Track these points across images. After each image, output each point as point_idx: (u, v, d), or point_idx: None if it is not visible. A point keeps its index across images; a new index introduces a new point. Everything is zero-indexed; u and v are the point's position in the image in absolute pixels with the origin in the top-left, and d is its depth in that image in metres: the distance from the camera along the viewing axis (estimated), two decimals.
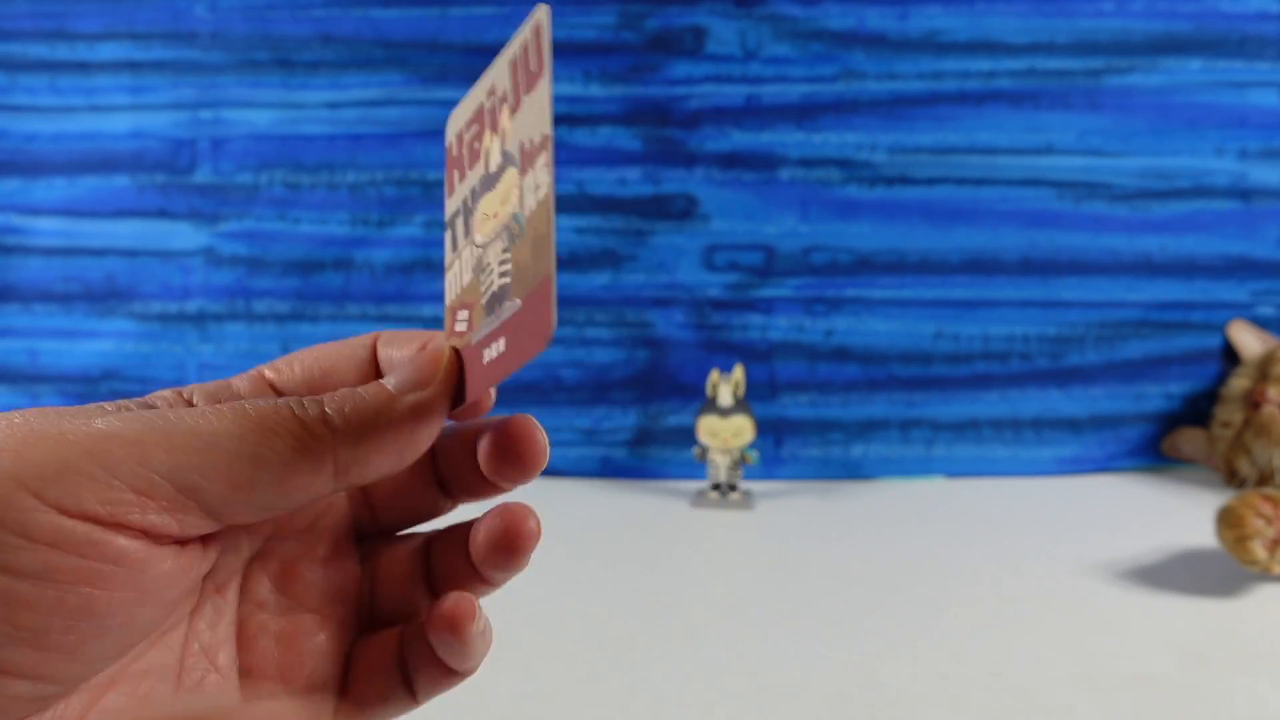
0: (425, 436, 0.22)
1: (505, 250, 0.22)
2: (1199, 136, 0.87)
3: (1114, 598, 0.57)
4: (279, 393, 0.24)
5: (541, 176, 0.20)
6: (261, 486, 0.19)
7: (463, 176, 0.24)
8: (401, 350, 0.24)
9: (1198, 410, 0.88)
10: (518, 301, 0.21)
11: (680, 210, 0.88)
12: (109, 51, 0.90)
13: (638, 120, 0.88)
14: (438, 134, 0.89)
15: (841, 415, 0.88)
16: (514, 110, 0.22)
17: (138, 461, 0.18)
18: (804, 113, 0.88)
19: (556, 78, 0.88)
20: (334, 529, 0.25)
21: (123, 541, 0.18)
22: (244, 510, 0.20)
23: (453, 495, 0.26)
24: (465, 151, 0.24)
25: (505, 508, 0.24)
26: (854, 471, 0.88)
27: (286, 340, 0.89)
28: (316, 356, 0.24)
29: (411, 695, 0.24)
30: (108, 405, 0.20)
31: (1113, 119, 0.87)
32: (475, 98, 0.24)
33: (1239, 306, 0.88)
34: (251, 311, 0.89)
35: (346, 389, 0.21)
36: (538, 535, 0.24)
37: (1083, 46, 0.87)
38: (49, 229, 0.90)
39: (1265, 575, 0.59)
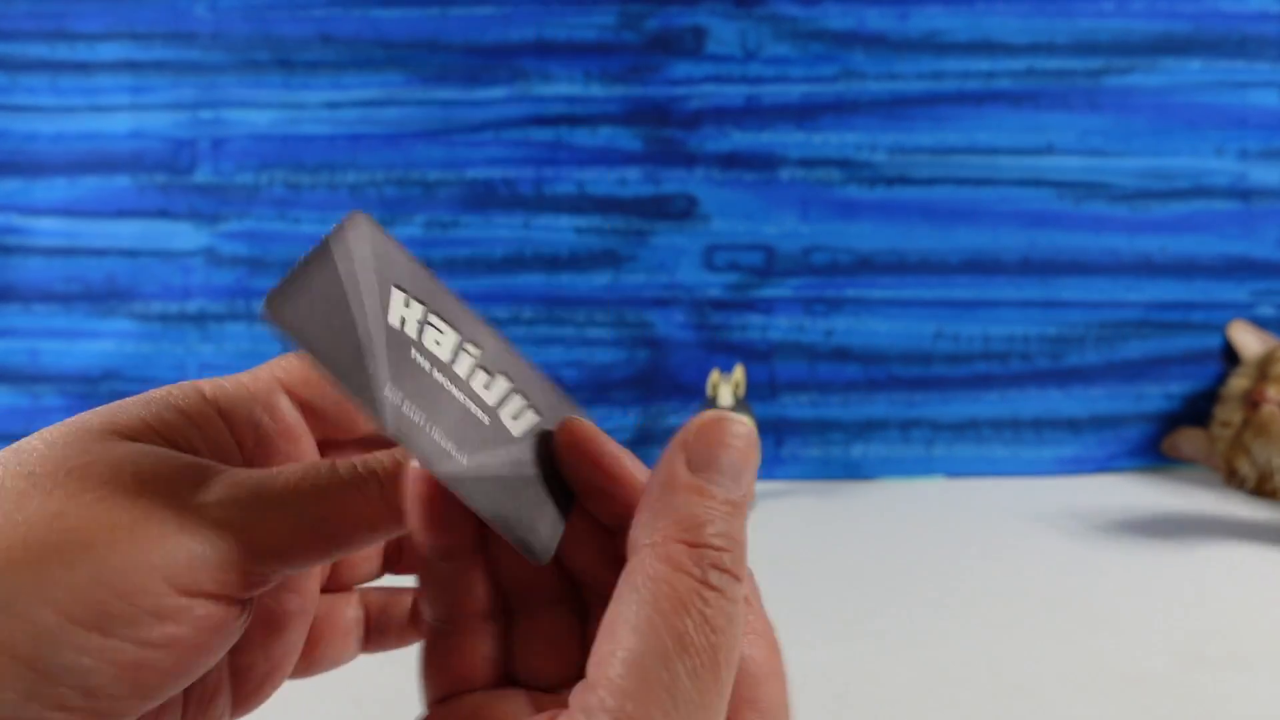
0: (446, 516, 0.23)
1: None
2: (1199, 137, 0.87)
3: (1114, 598, 0.57)
4: (290, 394, 0.25)
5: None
6: (327, 554, 0.22)
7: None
8: None
9: (1197, 410, 0.88)
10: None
11: (680, 210, 0.89)
12: (109, 51, 0.90)
13: (638, 120, 0.88)
14: (438, 134, 0.89)
15: (842, 415, 0.88)
16: None
17: (247, 554, 0.20)
18: (804, 113, 0.88)
19: (557, 78, 0.88)
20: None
21: (225, 611, 0.20)
22: (309, 565, 0.22)
23: None
24: None
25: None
26: (854, 471, 0.88)
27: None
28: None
29: (364, 648, 0.27)
30: (183, 403, 0.23)
31: (1113, 119, 0.87)
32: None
33: (1239, 307, 0.88)
34: (252, 312, 0.89)
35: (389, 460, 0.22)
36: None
37: (1083, 47, 0.87)
38: (49, 229, 0.90)
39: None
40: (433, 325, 0.23)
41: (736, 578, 0.18)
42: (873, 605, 0.56)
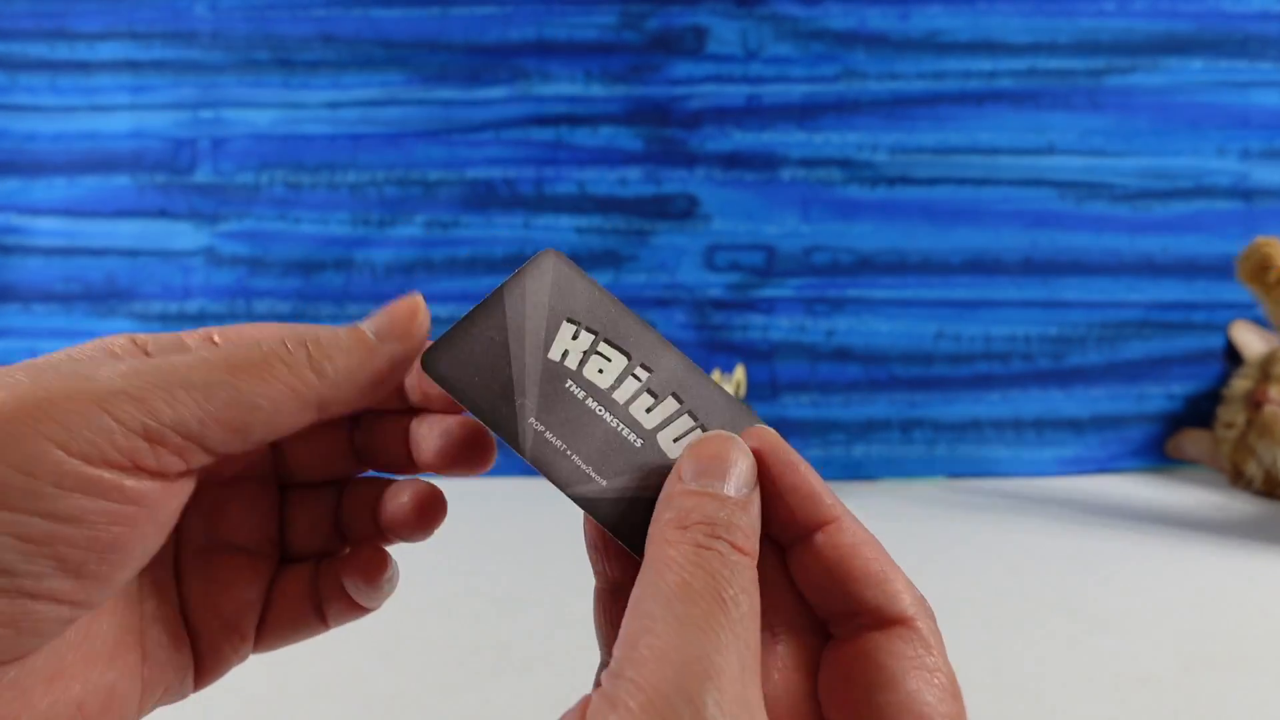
0: (396, 380, 0.25)
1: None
2: (1201, 136, 0.87)
3: (1115, 598, 0.57)
4: None
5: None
6: (255, 427, 0.22)
7: None
8: None
9: (1199, 410, 0.88)
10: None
11: (681, 210, 0.88)
12: (109, 51, 0.90)
13: (639, 120, 0.88)
14: (439, 134, 0.89)
15: (843, 415, 0.88)
16: None
17: (147, 415, 0.20)
18: (805, 113, 0.88)
19: (557, 78, 0.88)
20: (259, 478, 0.27)
21: (142, 484, 0.21)
22: (239, 445, 0.22)
23: (368, 465, 0.28)
24: None
25: (417, 486, 0.27)
26: (855, 472, 0.88)
27: None
28: (264, 333, 0.26)
29: (323, 621, 0.27)
30: (111, 346, 0.24)
31: (1114, 119, 0.87)
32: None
33: (1240, 307, 0.88)
34: (252, 312, 0.89)
35: (328, 333, 0.24)
36: (442, 518, 0.27)
37: (1084, 46, 0.87)
38: (49, 229, 0.90)
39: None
40: (600, 354, 0.25)
41: (733, 545, 0.21)
42: None
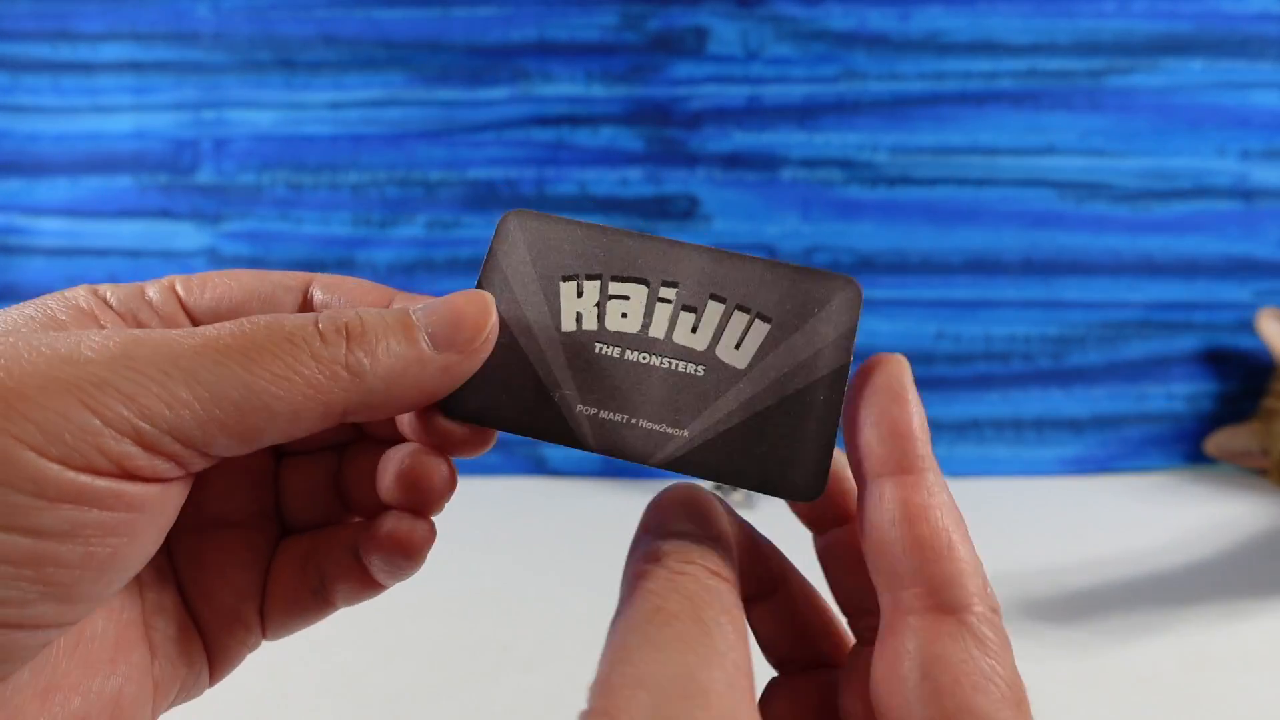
0: (440, 397, 0.20)
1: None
2: (1201, 137, 0.87)
3: (1116, 598, 0.57)
4: (188, 313, 0.22)
5: None
6: (266, 434, 0.18)
7: None
8: (346, 300, 0.23)
9: (1200, 410, 0.88)
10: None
11: (682, 210, 0.89)
12: (111, 52, 0.90)
13: (639, 121, 0.88)
14: (440, 134, 0.89)
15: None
16: None
17: (140, 417, 0.17)
18: (806, 113, 0.88)
19: (558, 79, 0.88)
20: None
21: (137, 489, 0.17)
22: (244, 450, 0.19)
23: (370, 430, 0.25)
24: None
25: (416, 453, 0.22)
26: None
27: None
28: (232, 284, 0.22)
29: (329, 602, 0.24)
30: (74, 300, 0.20)
31: (1114, 119, 0.87)
32: None
33: (1242, 307, 0.88)
34: None
35: (373, 318, 0.19)
36: (451, 488, 0.23)
37: (1084, 47, 0.87)
38: (51, 229, 0.91)
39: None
40: (615, 296, 0.21)
41: (708, 569, 0.19)
42: None
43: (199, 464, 0.18)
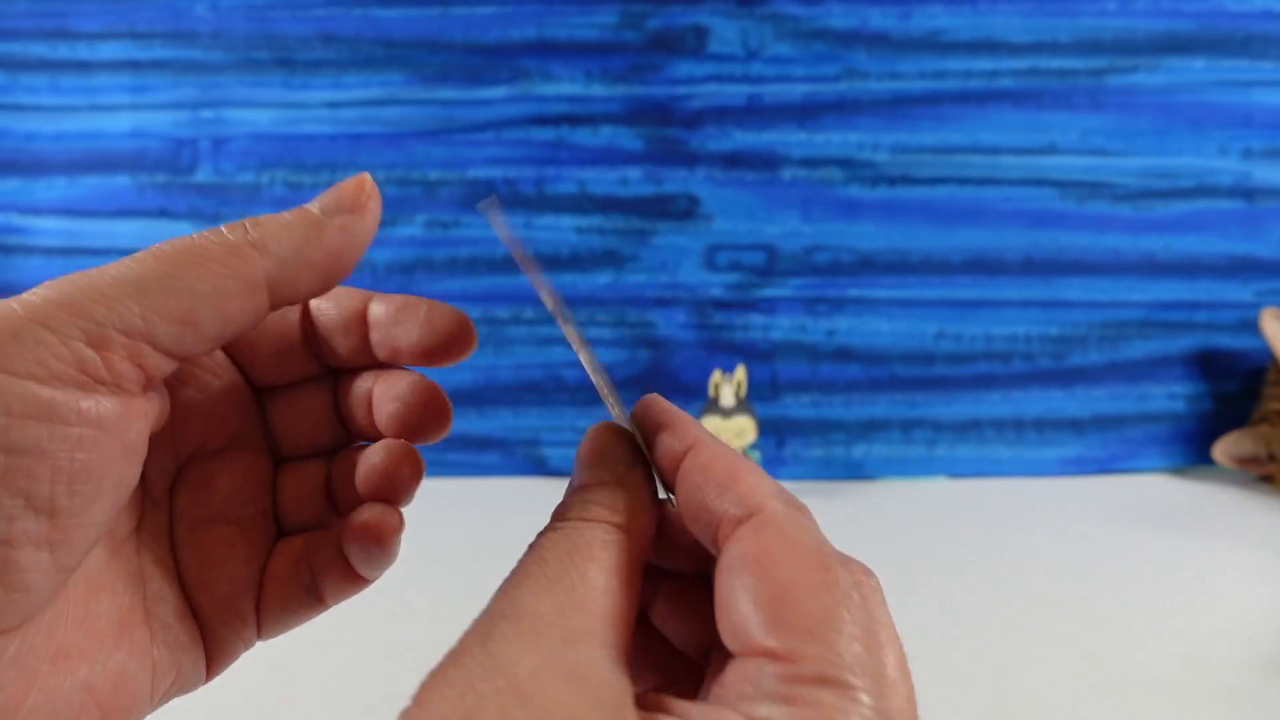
0: (351, 259, 0.23)
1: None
2: (1202, 136, 0.87)
3: (1116, 598, 0.57)
4: None
5: None
6: (204, 317, 0.20)
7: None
8: (332, 297, 0.26)
9: (1200, 410, 0.88)
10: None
11: (682, 210, 0.88)
12: (110, 51, 0.89)
13: (639, 120, 0.88)
14: (439, 134, 0.89)
15: (844, 415, 0.88)
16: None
17: (83, 318, 0.19)
18: (806, 112, 0.88)
19: (558, 78, 0.88)
20: (250, 449, 0.26)
21: (100, 403, 0.19)
22: (195, 342, 0.21)
23: (355, 435, 0.27)
24: None
25: (388, 449, 0.25)
26: (856, 472, 0.87)
27: None
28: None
29: (319, 599, 0.26)
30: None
31: (1116, 118, 0.87)
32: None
33: (1243, 306, 0.88)
34: None
35: (270, 215, 0.22)
36: (416, 480, 0.26)
37: (1086, 46, 0.87)
38: (50, 229, 0.90)
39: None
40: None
41: (584, 518, 0.22)
42: None
43: (154, 361, 0.20)
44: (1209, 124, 0.87)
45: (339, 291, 0.26)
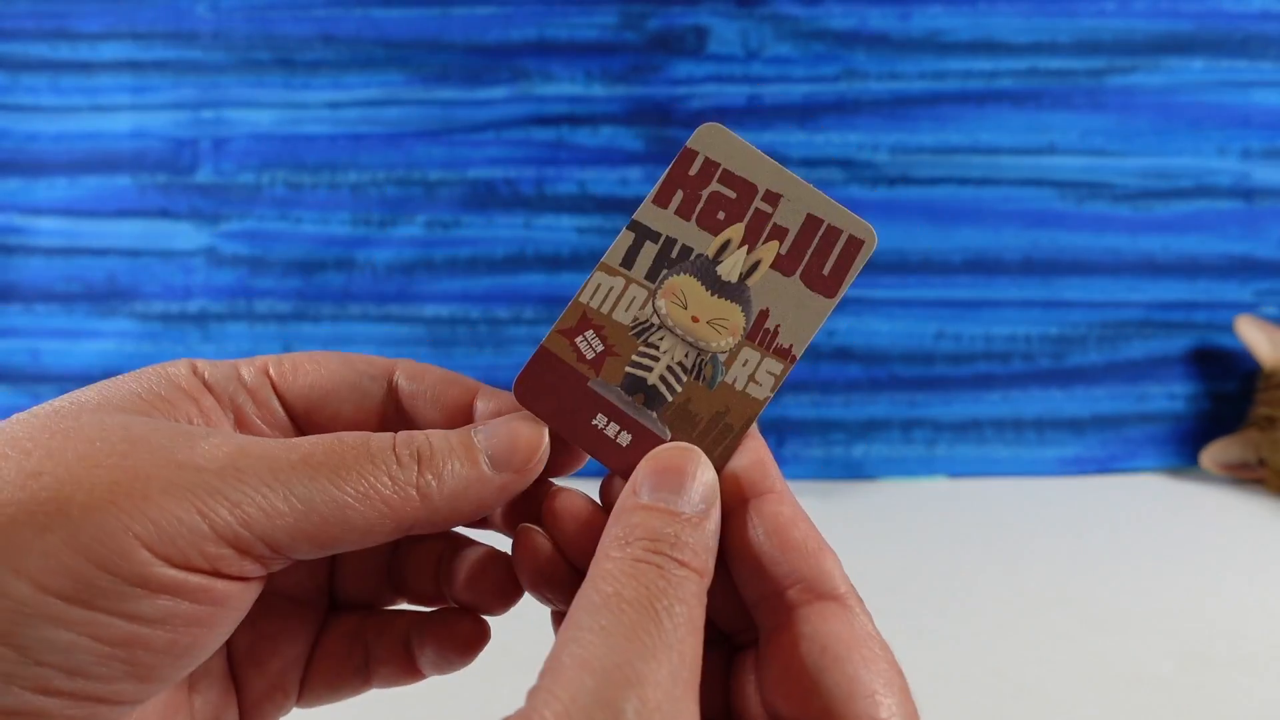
0: (494, 508, 0.23)
1: (683, 368, 0.23)
2: (1202, 136, 0.87)
3: (1116, 598, 0.57)
4: (279, 394, 0.24)
5: (765, 377, 0.22)
6: (341, 544, 0.21)
7: (686, 216, 0.24)
8: (430, 391, 0.25)
9: (1200, 410, 0.88)
10: (666, 431, 0.23)
11: None
12: (110, 51, 0.90)
13: (639, 120, 0.88)
14: (439, 134, 0.89)
15: (843, 415, 0.88)
16: (785, 269, 0.23)
17: (241, 524, 0.19)
18: (806, 113, 0.88)
19: (558, 78, 0.88)
20: None
21: (224, 586, 0.19)
22: (318, 555, 0.21)
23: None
24: (704, 203, 0.24)
25: (493, 559, 0.25)
26: (856, 472, 0.88)
27: (288, 340, 0.89)
28: (322, 371, 0.24)
29: (366, 681, 0.26)
30: (174, 377, 0.22)
31: (1115, 119, 0.87)
32: (758, 178, 0.24)
33: (1242, 306, 0.88)
34: (253, 311, 0.89)
35: (440, 441, 0.21)
36: (517, 596, 0.26)
37: (1085, 46, 0.87)
38: (50, 229, 0.90)
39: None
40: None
41: (678, 560, 0.20)
42: (874, 606, 0.56)
43: (279, 565, 0.21)
44: (1208, 124, 0.87)
45: None
